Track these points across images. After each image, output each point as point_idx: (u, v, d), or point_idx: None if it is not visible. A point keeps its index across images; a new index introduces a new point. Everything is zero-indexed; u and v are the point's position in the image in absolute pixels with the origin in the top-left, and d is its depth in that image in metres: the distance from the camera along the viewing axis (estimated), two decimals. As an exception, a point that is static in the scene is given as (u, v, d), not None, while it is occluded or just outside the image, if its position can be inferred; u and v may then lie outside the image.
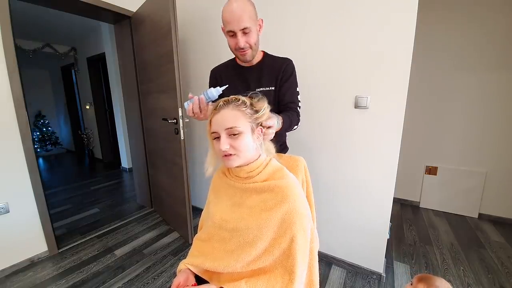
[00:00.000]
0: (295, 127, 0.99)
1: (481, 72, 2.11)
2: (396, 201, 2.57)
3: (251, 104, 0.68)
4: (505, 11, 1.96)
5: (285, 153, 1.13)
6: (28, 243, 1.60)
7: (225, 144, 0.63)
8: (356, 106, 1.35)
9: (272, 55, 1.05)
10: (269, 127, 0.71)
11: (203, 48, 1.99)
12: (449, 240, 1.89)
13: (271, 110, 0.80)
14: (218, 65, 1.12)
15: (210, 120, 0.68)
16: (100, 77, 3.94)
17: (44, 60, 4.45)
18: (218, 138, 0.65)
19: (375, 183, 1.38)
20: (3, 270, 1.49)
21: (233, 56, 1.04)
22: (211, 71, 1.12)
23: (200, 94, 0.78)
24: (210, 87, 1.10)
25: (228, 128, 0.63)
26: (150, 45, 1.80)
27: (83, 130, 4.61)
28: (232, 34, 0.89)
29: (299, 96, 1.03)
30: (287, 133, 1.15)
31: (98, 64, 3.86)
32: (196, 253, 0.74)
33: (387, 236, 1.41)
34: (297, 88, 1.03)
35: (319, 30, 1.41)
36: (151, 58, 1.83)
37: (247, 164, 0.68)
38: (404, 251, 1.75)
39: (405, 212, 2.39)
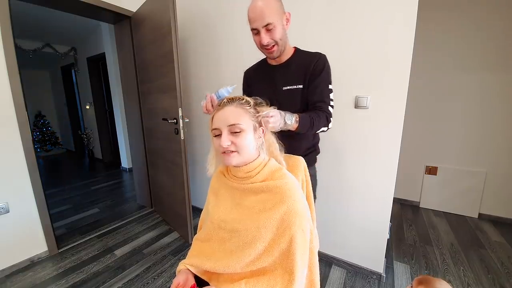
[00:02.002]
0: (323, 128, 0.91)
1: (481, 72, 2.11)
2: (396, 201, 2.57)
3: (255, 105, 0.69)
4: (504, 11, 1.96)
5: (316, 156, 1.09)
6: (28, 243, 1.60)
7: (226, 140, 0.63)
8: (356, 106, 1.35)
9: (303, 50, 0.99)
10: (271, 116, 0.69)
11: (203, 48, 1.99)
12: (449, 240, 1.89)
13: (298, 110, 0.83)
14: (250, 67, 1.10)
15: (213, 117, 0.68)
16: (100, 77, 3.93)
17: (44, 60, 4.44)
18: (219, 135, 0.65)
19: (375, 183, 1.37)
20: (3, 270, 1.49)
21: (257, 56, 1.02)
22: (244, 73, 1.11)
23: (213, 93, 0.81)
24: (243, 89, 1.09)
25: (231, 125, 0.63)
26: (150, 45, 1.80)
27: (83, 130, 4.61)
28: (256, 31, 0.87)
29: (331, 95, 0.94)
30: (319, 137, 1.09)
31: (98, 64, 3.86)
32: (195, 254, 0.74)
33: (387, 236, 1.41)
34: (330, 86, 0.94)
35: (319, 30, 1.41)
36: (151, 58, 1.83)
37: (246, 164, 0.68)
38: (404, 251, 1.75)
39: (405, 212, 2.39)
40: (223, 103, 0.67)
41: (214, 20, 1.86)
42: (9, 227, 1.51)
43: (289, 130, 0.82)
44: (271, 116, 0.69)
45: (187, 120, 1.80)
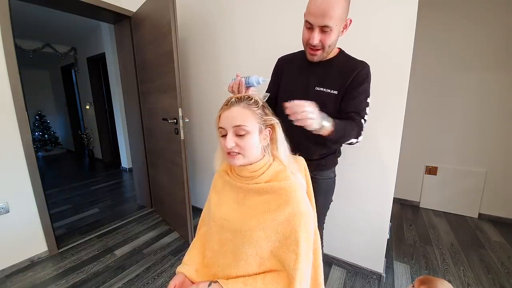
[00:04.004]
0: (353, 140, 0.84)
1: (481, 72, 2.11)
2: (396, 201, 2.57)
3: (263, 106, 0.68)
4: (505, 11, 1.96)
5: (337, 158, 1.04)
6: (28, 243, 1.60)
7: (230, 142, 0.63)
8: (356, 106, 1.35)
9: (348, 54, 0.92)
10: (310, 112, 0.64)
11: (203, 48, 1.99)
12: (449, 240, 1.89)
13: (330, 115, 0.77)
14: (287, 54, 1.03)
15: (220, 115, 0.67)
16: (100, 77, 3.93)
17: (44, 60, 4.44)
18: (225, 135, 0.65)
19: (375, 183, 1.37)
20: (3, 270, 1.49)
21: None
22: (278, 59, 1.04)
23: (243, 77, 0.78)
24: (271, 74, 1.04)
25: (236, 126, 0.62)
26: (150, 45, 1.80)
27: (83, 130, 4.60)
28: (309, 26, 0.78)
29: (368, 108, 0.87)
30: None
31: (98, 64, 3.85)
32: (193, 261, 0.74)
33: (387, 236, 1.41)
34: (368, 99, 0.88)
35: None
36: (151, 58, 1.83)
37: (251, 164, 0.67)
38: (404, 251, 1.75)
39: (405, 212, 2.39)
40: (230, 102, 0.65)
41: (214, 19, 1.86)
42: (9, 227, 1.51)
43: (318, 134, 0.74)
44: (310, 112, 0.64)
45: (187, 120, 1.80)
